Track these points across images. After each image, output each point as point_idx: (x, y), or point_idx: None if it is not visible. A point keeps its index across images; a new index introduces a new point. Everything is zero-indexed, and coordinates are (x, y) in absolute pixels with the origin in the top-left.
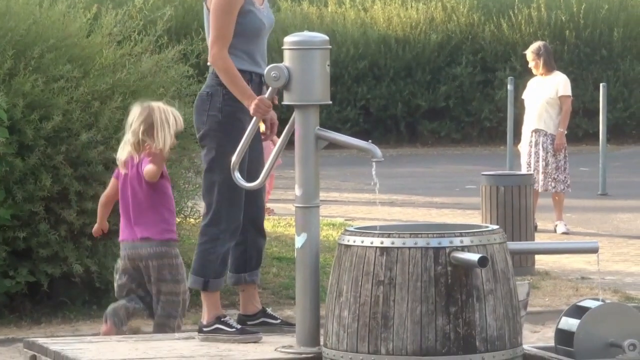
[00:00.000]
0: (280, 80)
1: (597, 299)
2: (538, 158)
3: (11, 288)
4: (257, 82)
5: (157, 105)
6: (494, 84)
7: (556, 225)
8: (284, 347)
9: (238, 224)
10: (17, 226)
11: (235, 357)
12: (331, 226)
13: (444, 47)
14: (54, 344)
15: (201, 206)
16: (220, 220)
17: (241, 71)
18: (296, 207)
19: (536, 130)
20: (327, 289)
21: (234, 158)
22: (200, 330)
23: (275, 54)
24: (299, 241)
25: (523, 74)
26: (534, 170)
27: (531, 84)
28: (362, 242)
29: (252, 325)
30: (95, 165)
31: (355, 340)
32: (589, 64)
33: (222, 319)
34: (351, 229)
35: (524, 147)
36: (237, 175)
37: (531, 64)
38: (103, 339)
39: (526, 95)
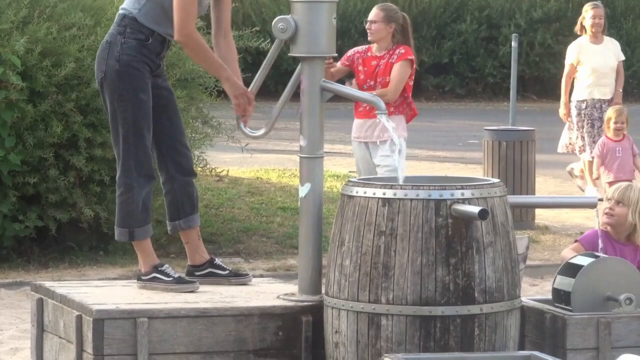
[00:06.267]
0: (287, 32)
1: (591, 255)
2: (601, 125)
3: (20, 232)
4: (159, 41)
5: None
6: (499, 40)
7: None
8: (286, 294)
9: (149, 169)
10: (27, 172)
11: (238, 303)
12: (335, 177)
13: (450, 3)
14: (60, 288)
15: (207, 155)
16: (130, 169)
17: (151, 31)
18: (301, 157)
19: (608, 100)
20: (329, 239)
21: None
22: (138, 279)
23: (284, 7)
24: (303, 191)
25: (527, 31)
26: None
27: (582, 49)
28: (365, 192)
29: (200, 276)
30: (104, 113)
31: (356, 289)
32: None
33: (159, 268)
34: (354, 179)
35: (585, 117)
36: (242, 126)
37: (592, 22)
38: (109, 284)
39: (582, 62)
